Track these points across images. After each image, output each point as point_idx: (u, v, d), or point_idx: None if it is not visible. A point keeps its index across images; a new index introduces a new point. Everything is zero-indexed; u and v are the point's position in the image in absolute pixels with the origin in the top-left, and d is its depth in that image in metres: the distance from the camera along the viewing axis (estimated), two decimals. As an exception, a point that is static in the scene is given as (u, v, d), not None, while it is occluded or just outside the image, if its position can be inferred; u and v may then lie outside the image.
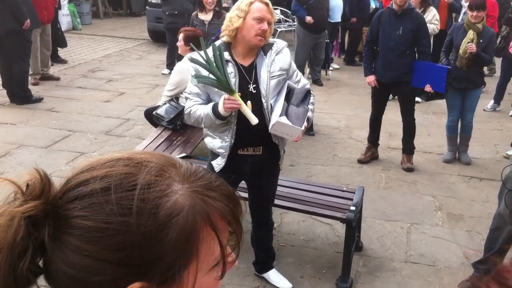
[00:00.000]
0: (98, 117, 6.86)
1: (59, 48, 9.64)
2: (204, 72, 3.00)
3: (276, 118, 2.97)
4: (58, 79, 8.50)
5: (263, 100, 3.05)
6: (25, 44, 7.24)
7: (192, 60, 3.05)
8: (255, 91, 3.06)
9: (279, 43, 3.13)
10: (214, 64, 2.96)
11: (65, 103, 7.35)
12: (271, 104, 3.07)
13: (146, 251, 0.67)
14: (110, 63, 9.97)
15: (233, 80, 3.00)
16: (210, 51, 3.00)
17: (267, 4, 3.01)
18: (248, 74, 3.07)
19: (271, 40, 3.14)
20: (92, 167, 0.73)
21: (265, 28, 2.96)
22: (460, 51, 5.46)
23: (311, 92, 3.24)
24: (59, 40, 9.34)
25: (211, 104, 3.04)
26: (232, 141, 3.10)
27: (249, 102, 3.02)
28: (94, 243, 0.67)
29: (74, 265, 0.67)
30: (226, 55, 3.03)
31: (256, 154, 3.17)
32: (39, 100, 7.35)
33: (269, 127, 3.02)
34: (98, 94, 7.89)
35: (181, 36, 5.26)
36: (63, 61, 9.67)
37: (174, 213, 0.68)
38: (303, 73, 8.73)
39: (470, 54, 5.38)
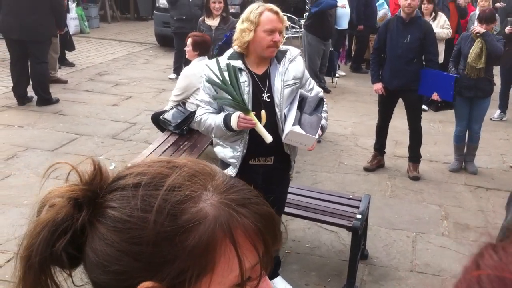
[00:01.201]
0: (105, 120, 6.89)
1: (66, 52, 9.69)
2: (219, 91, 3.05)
3: (289, 127, 2.97)
4: (65, 82, 8.54)
5: (277, 110, 3.04)
6: (49, 48, 7.47)
7: (209, 81, 3.04)
8: (269, 100, 3.05)
9: (292, 51, 3.12)
10: (230, 83, 2.95)
11: (72, 106, 7.38)
12: (284, 113, 3.06)
13: (160, 250, 0.68)
14: (117, 67, 10.01)
15: (247, 89, 3.00)
16: (223, 62, 3.01)
17: (277, 13, 2.96)
18: (262, 83, 3.06)
19: (284, 47, 3.12)
20: (136, 165, 0.78)
21: (277, 39, 2.94)
22: (469, 60, 5.46)
23: (324, 100, 3.24)
24: (67, 43, 9.39)
25: (222, 115, 3.02)
26: (245, 151, 3.10)
27: (263, 111, 3.02)
28: (116, 233, 0.70)
29: (97, 252, 0.71)
30: (239, 63, 3.03)
31: (267, 164, 3.17)
32: (57, 101, 7.44)
33: (283, 137, 3.02)
34: (105, 97, 7.91)
35: (189, 41, 5.28)
36: (71, 64, 9.72)
37: (195, 219, 0.68)
38: (320, 80, 8.76)
39: (480, 53, 5.38)
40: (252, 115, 2.95)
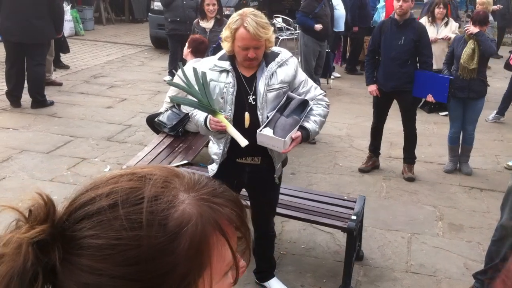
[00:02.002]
0: (100, 123, 6.88)
1: (61, 54, 9.67)
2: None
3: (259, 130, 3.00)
4: (60, 84, 8.52)
5: (259, 113, 3.04)
6: (47, 50, 7.53)
7: (170, 83, 3.16)
8: (254, 103, 3.05)
9: (283, 54, 3.09)
10: (196, 86, 2.96)
11: (67, 109, 7.37)
12: (267, 116, 3.05)
13: (159, 263, 0.67)
14: (112, 69, 10.00)
15: (231, 91, 3.01)
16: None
17: (250, 31, 2.85)
18: (249, 85, 3.06)
19: (277, 49, 3.11)
20: (95, 186, 0.73)
21: (251, 55, 2.92)
22: (461, 61, 5.49)
23: (320, 102, 3.15)
24: (62, 46, 9.38)
25: (205, 115, 3.05)
26: (225, 149, 3.14)
27: (246, 114, 3.04)
28: (106, 261, 0.66)
29: (88, 286, 0.66)
30: (227, 65, 3.04)
31: (255, 164, 3.17)
32: (52, 103, 7.45)
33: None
34: (100, 100, 7.90)
35: (188, 41, 5.34)
36: (66, 67, 9.70)
37: (184, 222, 0.68)
38: (315, 81, 8.76)
39: (472, 53, 5.41)
40: (221, 117, 2.94)
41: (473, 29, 5.47)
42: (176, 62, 8.29)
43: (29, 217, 0.69)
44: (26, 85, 7.39)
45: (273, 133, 2.97)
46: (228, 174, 3.13)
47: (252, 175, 3.20)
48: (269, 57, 3.05)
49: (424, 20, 7.38)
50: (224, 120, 2.94)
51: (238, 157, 3.15)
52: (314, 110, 3.12)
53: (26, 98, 7.42)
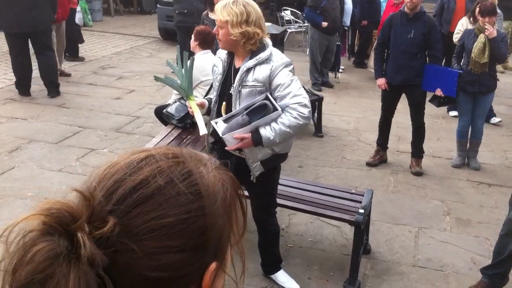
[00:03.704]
0: (108, 114, 6.90)
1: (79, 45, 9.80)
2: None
3: (215, 121, 3.09)
4: (69, 75, 8.55)
5: (233, 105, 3.08)
6: (51, 34, 7.58)
7: (168, 63, 3.56)
8: (233, 94, 3.10)
9: (265, 53, 3.00)
10: (183, 70, 3.24)
11: (75, 99, 7.39)
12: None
13: (216, 229, 0.71)
14: (120, 60, 10.02)
15: (218, 78, 3.16)
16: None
17: (217, 5, 3.03)
18: (235, 77, 3.09)
19: (272, 50, 3.04)
20: (128, 171, 0.70)
21: (215, 31, 3.05)
22: (472, 55, 5.45)
23: (289, 111, 2.95)
24: (79, 37, 9.55)
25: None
26: (209, 132, 3.26)
27: (224, 103, 3.14)
28: (180, 236, 0.67)
29: (160, 267, 0.66)
30: (223, 54, 3.17)
31: (241, 157, 3.16)
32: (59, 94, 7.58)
33: None
34: (109, 91, 7.92)
35: (194, 34, 5.31)
36: (81, 59, 9.71)
37: (217, 188, 0.74)
38: (323, 75, 8.74)
39: (486, 50, 5.36)
40: (192, 103, 3.17)
41: (491, 32, 5.38)
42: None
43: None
44: (35, 75, 7.43)
45: (224, 128, 2.99)
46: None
47: (237, 167, 3.16)
48: (254, 54, 3.02)
49: (465, 20, 7.05)
50: (193, 105, 3.14)
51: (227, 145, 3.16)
52: (280, 118, 2.94)
53: (34, 88, 7.46)
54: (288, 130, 2.94)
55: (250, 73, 3.00)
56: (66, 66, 9.01)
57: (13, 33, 7.03)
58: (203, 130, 3.07)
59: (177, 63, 3.49)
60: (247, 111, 2.98)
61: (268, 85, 3.00)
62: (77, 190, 0.68)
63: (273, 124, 2.94)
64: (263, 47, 3.03)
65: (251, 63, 2.99)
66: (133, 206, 0.67)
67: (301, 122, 2.95)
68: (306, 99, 2.99)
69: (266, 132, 2.94)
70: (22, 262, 0.61)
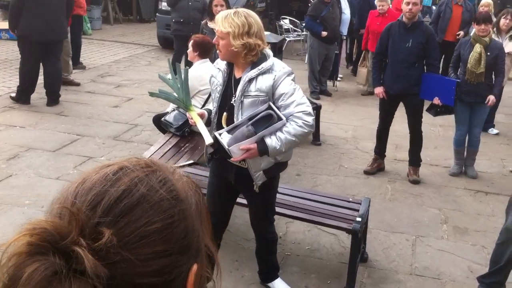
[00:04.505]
0: (107, 122, 6.91)
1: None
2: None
3: (218, 132, 3.06)
4: (78, 84, 8.52)
5: (235, 115, 3.07)
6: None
7: (160, 77, 3.53)
8: (235, 105, 3.08)
9: (267, 63, 3.00)
10: (178, 82, 3.24)
11: (74, 107, 7.41)
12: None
13: (194, 231, 0.74)
14: (119, 68, 10.04)
15: (218, 89, 3.13)
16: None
17: (217, 16, 3.00)
18: (235, 87, 3.08)
19: (274, 60, 3.06)
20: (108, 183, 0.71)
21: (215, 41, 3.03)
22: (468, 65, 5.47)
23: (294, 120, 2.97)
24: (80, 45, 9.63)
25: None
26: (208, 146, 3.24)
27: (224, 113, 3.12)
28: (167, 240, 0.69)
29: (153, 273, 0.67)
30: (223, 64, 3.14)
31: (242, 167, 3.16)
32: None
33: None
34: (107, 99, 7.94)
35: (190, 43, 5.30)
36: (83, 67, 9.72)
37: (189, 193, 0.76)
38: (321, 84, 8.77)
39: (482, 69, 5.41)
40: (193, 114, 3.16)
41: (493, 101, 5.50)
42: (179, 61, 8.32)
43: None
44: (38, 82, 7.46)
45: (229, 139, 2.98)
46: (217, 171, 3.30)
47: (238, 177, 3.20)
48: (256, 64, 3.02)
49: None
50: (194, 116, 3.14)
51: (228, 156, 3.13)
52: (285, 127, 2.96)
53: (33, 96, 7.46)
54: (293, 138, 2.97)
55: (252, 83, 3.00)
56: (64, 74, 9.00)
57: (33, 40, 7.04)
58: (208, 139, 3.03)
59: (171, 75, 3.47)
60: (251, 121, 2.96)
61: (271, 95, 3.01)
62: (61, 206, 0.68)
63: (279, 134, 2.96)
64: (264, 58, 3.03)
65: (253, 73, 2.99)
66: (120, 216, 0.67)
67: (306, 130, 2.99)
68: (309, 108, 3.03)
69: (272, 141, 2.95)
70: (16, 285, 0.61)
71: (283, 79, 3.00)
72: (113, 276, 0.64)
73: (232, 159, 3.00)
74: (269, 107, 2.98)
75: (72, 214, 0.66)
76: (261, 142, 2.96)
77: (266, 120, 2.96)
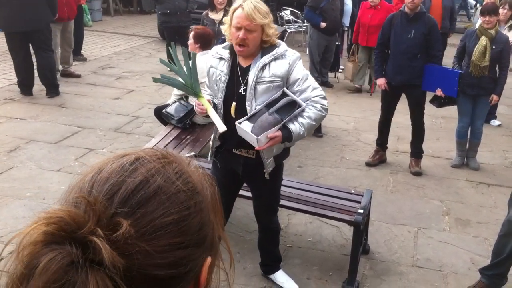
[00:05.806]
0: (108, 114, 6.90)
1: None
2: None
3: (238, 121, 2.98)
4: (78, 76, 8.52)
5: (247, 103, 3.02)
6: (50, 35, 7.50)
7: (162, 61, 3.38)
8: (244, 93, 3.03)
9: (281, 48, 3.00)
10: (184, 67, 3.09)
11: (75, 99, 7.39)
12: (255, 108, 3.01)
13: (209, 224, 0.73)
14: (120, 60, 10.01)
15: (223, 79, 3.04)
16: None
17: (245, 9, 2.87)
18: (243, 76, 3.03)
19: (279, 42, 3.04)
20: (127, 173, 0.70)
21: (241, 36, 2.88)
22: (473, 58, 5.43)
23: (313, 104, 3.00)
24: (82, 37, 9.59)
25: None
26: (216, 136, 3.18)
27: (234, 104, 3.05)
28: (184, 232, 0.68)
29: (169, 265, 0.67)
30: (226, 53, 3.06)
31: (249, 157, 3.15)
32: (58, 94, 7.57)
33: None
34: (108, 91, 7.92)
35: (191, 35, 5.28)
36: (84, 59, 9.70)
37: (205, 185, 0.76)
38: (322, 75, 8.73)
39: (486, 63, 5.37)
40: (203, 100, 3.03)
41: (496, 100, 5.54)
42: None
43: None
44: (36, 74, 7.43)
45: (252, 128, 2.93)
46: (224, 163, 3.25)
47: (246, 167, 3.19)
48: (266, 50, 3.00)
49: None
50: (205, 103, 3.02)
51: (235, 147, 3.14)
52: (305, 112, 2.98)
53: (34, 88, 7.45)
54: (314, 123, 3.02)
55: (265, 69, 2.98)
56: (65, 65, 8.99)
57: (11, 32, 7.03)
58: (221, 127, 2.95)
59: (172, 61, 3.30)
60: (275, 109, 2.94)
61: (285, 80, 3.01)
62: (78, 196, 0.67)
63: (300, 119, 2.98)
64: (274, 44, 3.03)
65: (266, 58, 2.97)
66: (137, 207, 0.67)
67: (324, 114, 3.05)
68: (322, 91, 3.08)
69: (296, 128, 2.97)
70: (33, 274, 0.60)
71: (296, 64, 3.02)
72: (130, 268, 0.63)
73: (257, 147, 2.95)
74: (284, 93, 2.98)
75: (89, 203, 0.65)
76: (285, 129, 2.96)
77: (290, 107, 2.97)
